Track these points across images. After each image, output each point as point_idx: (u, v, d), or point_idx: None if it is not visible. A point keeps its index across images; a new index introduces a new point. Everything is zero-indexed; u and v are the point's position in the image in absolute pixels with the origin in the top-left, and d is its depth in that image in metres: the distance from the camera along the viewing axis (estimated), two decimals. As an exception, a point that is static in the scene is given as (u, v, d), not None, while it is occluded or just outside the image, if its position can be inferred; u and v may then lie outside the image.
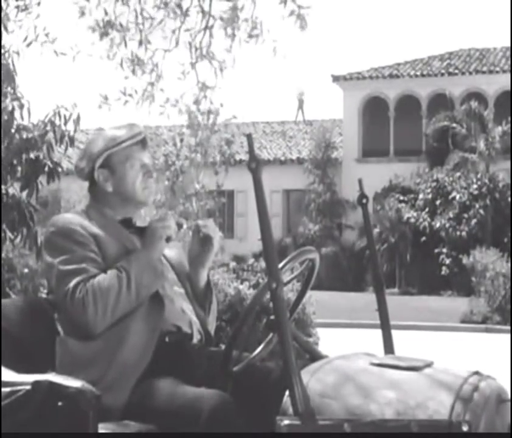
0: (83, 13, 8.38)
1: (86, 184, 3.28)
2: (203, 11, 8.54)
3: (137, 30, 8.52)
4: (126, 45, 8.49)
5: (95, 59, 8.55)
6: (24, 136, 7.15)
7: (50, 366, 2.83)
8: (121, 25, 8.43)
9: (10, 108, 7.08)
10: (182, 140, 11.80)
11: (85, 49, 8.60)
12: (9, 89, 7.19)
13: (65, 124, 7.29)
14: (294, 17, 8.14)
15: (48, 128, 7.30)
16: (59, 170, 7.39)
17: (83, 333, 2.92)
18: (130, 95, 8.73)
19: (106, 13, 8.41)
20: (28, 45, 7.73)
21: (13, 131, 7.10)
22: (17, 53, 7.54)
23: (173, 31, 8.55)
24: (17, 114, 7.19)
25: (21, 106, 7.22)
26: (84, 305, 2.89)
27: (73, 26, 8.48)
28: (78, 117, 7.28)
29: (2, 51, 7.39)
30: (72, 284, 2.93)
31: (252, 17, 8.49)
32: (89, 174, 3.20)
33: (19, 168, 7.18)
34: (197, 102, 8.94)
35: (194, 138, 9.52)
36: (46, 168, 7.25)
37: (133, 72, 8.69)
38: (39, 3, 7.84)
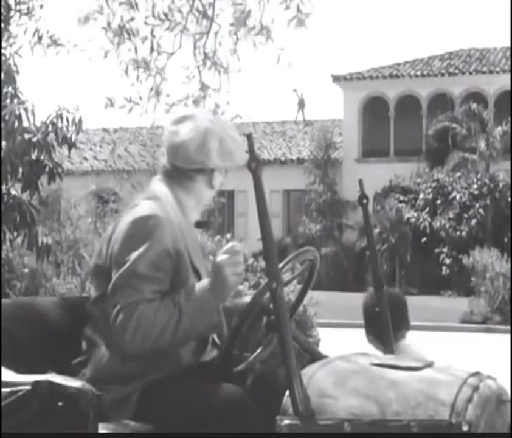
0: (95, 19, 8.37)
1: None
2: (206, 16, 8.55)
3: (149, 35, 8.52)
4: (136, 51, 8.47)
5: (100, 61, 8.51)
6: (26, 137, 7.15)
7: (50, 366, 2.83)
8: (131, 31, 8.42)
9: (17, 112, 7.07)
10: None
11: (92, 50, 8.59)
12: (10, 89, 7.19)
13: (67, 127, 7.29)
14: (295, 22, 8.17)
15: (50, 129, 7.30)
16: (61, 170, 7.39)
17: (119, 350, 2.82)
18: (135, 103, 8.72)
19: (122, 21, 8.39)
20: (35, 43, 7.73)
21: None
22: (19, 55, 7.54)
23: (176, 35, 8.56)
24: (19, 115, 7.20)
25: (25, 109, 7.22)
26: (124, 329, 2.75)
27: (81, 27, 8.48)
28: (80, 120, 7.28)
29: (5, 52, 7.39)
30: (121, 302, 2.77)
31: (260, 23, 8.50)
32: (199, 169, 3.03)
33: (20, 169, 7.18)
34: (196, 102, 8.94)
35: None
36: (47, 169, 7.25)
37: (137, 77, 8.69)
38: (41, 6, 7.85)
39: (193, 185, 3.05)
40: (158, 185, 3.05)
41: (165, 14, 8.43)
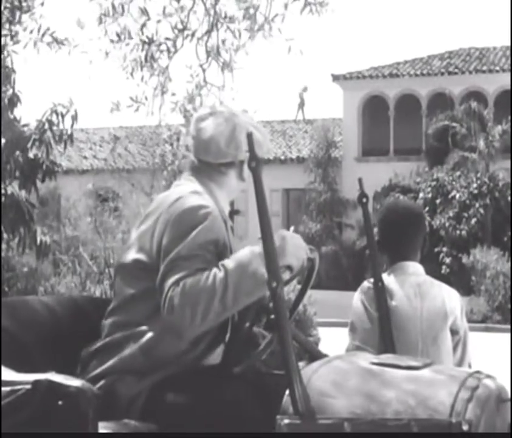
0: (100, 21, 8.35)
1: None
2: (208, 13, 8.55)
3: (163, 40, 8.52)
4: (154, 58, 8.45)
5: (101, 62, 8.53)
6: (22, 131, 7.15)
7: (50, 366, 2.83)
8: (147, 38, 8.43)
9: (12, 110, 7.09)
10: (178, 139, 11.75)
11: (97, 49, 8.58)
12: (8, 87, 7.19)
13: (62, 121, 7.29)
14: (307, 11, 8.20)
15: (47, 127, 7.29)
16: (57, 169, 7.39)
17: (177, 333, 2.80)
18: (141, 103, 8.70)
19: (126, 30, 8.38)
20: (37, 41, 7.73)
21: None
22: (15, 52, 7.54)
23: (178, 33, 8.55)
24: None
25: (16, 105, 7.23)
26: (173, 308, 2.72)
27: (84, 27, 8.47)
28: (76, 114, 7.28)
29: (5, 52, 7.39)
30: (168, 284, 2.75)
31: (266, 17, 8.50)
32: (229, 163, 3.05)
33: (16, 167, 7.18)
34: (192, 100, 8.93)
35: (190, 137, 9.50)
36: (44, 167, 7.25)
37: (142, 78, 8.68)
38: (42, 4, 7.85)
39: (224, 178, 3.07)
40: (191, 181, 3.05)
41: (184, 25, 8.42)
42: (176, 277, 2.75)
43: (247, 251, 2.80)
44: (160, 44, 8.47)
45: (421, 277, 3.69)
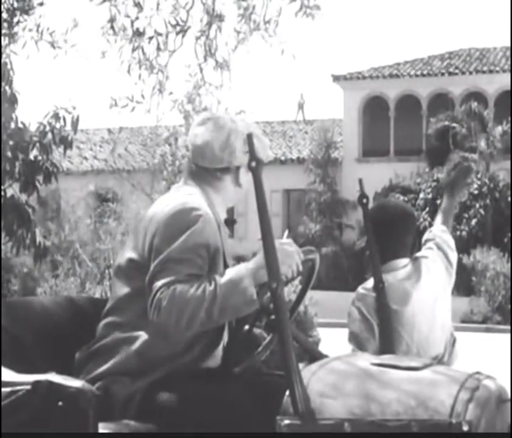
0: (112, 21, 8.33)
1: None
2: (207, 12, 8.54)
3: (154, 34, 8.49)
4: (143, 51, 8.42)
5: (99, 61, 8.50)
6: (20, 137, 7.14)
7: (50, 366, 2.83)
8: (138, 31, 8.40)
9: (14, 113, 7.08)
10: (176, 139, 11.74)
11: (91, 50, 8.57)
12: (7, 88, 7.19)
13: (64, 126, 7.28)
14: (301, 13, 8.20)
15: (47, 129, 7.28)
16: (56, 171, 7.37)
17: (161, 334, 2.83)
18: (138, 102, 8.69)
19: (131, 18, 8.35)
20: (37, 41, 7.72)
21: (9, 131, 7.10)
22: (15, 53, 7.54)
23: (177, 32, 8.53)
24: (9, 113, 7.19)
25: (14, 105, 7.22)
26: (160, 309, 2.74)
27: (78, 27, 8.45)
28: (77, 119, 7.26)
29: (4, 52, 7.38)
30: (158, 285, 2.77)
31: (263, 18, 8.50)
32: (225, 168, 3.06)
33: (17, 169, 7.17)
34: (191, 100, 8.93)
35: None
36: (43, 169, 7.24)
37: (139, 76, 8.67)
38: (41, 4, 7.83)
39: (220, 184, 3.09)
40: (189, 185, 3.07)
41: (177, 21, 8.39)
42: (166, 280, 2.77)
43: (241, 267, 2.81)
44: (151, 38, 8.43)
45: (408, 267, 3.70)
